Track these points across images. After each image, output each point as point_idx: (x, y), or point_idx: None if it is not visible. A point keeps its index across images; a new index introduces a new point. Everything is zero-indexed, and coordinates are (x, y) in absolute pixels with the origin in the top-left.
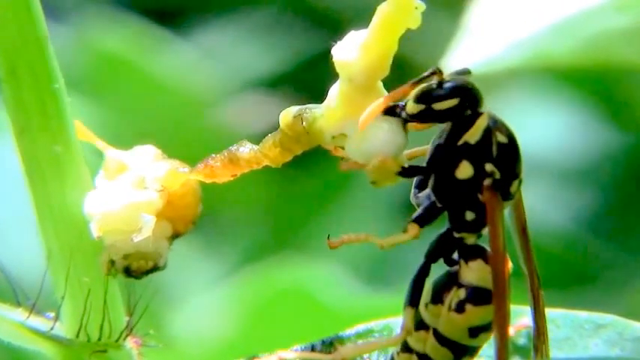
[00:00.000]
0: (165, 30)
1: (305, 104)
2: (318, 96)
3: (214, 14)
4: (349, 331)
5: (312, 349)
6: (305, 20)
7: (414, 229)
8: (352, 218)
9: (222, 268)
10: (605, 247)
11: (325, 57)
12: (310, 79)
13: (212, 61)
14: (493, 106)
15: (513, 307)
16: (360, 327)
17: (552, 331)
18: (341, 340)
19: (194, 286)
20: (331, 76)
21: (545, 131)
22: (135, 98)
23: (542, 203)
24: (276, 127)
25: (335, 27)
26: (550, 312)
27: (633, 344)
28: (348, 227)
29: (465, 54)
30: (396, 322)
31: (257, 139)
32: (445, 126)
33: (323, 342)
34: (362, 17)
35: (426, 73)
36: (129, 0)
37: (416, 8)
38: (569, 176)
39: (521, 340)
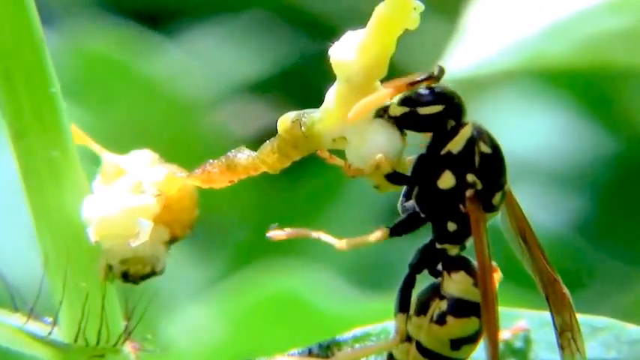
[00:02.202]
0: (154, 33)
1: (294, 108)
2: (307, 99)
3: (200, 17)
4: (346, 335)
5: (310, 352)
6: (292, 23)
7: (381, 233)
8: (343, 223)
9: (212, 273)
10: (593, 250)
11: (313, 60)
12: (299, 82)
13: (201, 65)
14: (482, 109)
15: (510, 310)
16: (358, 331)
17: (548, 334)
18: (338, 343)
19: (183, 291)
20: (320, 78)
21: (535, 134)
22: (124, 102)
23: (531, 206)
24: (266, 130)
25: (322, 29)
26: (546, 315)
27: (630, 347)
28: (339, 231)
29: (460, 56)
30: (393, 325)
31: (247, 143)
32: (430, 137)
33: (320, 345)
34: (350, 20)
35: (424, 76)
36: (114, 3)
37: (414, 9)
38: (558, 179)
39: (518, 344)
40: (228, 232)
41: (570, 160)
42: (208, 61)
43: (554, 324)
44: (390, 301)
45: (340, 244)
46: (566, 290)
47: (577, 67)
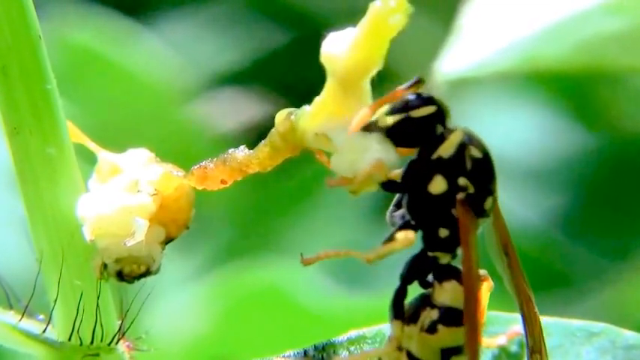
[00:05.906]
0: (131, 22)
1: (276, 100)
2: (288, 90)
3: (176, 6)
4: (341, 338)
5: (305, 354)
6: (270, 13)
7: (407, 235)
8: (327, 218)
9: (196, 267)
10: (574, 247)
11: (292, 50)
12: (280, 72)
13: (179, 55)
14: (463, 106)
15: (505, 314)
16: (352, 333)
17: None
18: (333, 345)
19: (166, 284)
20: (301, 68)
21: (515, 131)
22: (103, 92)
23: (512, 203)
24: (247, 122)
25: (301, 19)
26: (542, 319)
27: (625, 352)
28: (323, 227)
29: (456, 57)
30: (388, 327)
31: (227, 135)
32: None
33: (315, 347)
34: (330, 10)
35: (411, 82)
36: None
37: (404, 10)
38: (539, 176)
39: (513, 348)
40: (213, 227)
41: (550, 158)
42: (186, 50)
43: (527, 343)
44: (376, 297)
45: (368, 256)
46: (537, 311)
47: (574, 68)
